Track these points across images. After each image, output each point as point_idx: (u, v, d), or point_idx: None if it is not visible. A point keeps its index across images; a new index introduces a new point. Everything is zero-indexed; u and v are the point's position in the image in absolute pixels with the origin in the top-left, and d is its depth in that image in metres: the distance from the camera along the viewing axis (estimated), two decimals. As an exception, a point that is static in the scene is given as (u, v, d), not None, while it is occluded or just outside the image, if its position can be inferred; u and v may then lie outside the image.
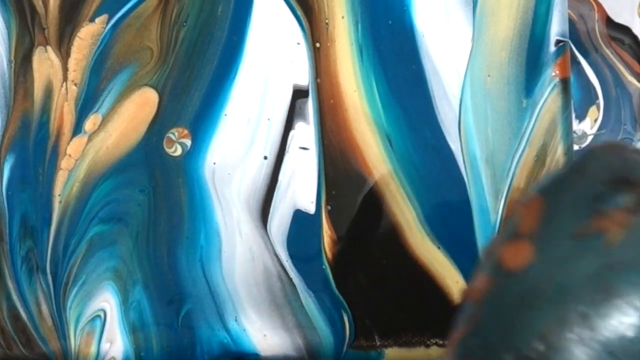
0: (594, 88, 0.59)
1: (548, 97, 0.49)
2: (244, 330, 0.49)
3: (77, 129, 0.49)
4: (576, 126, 0.58)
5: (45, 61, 0.49)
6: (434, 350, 0.49)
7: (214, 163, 0.49)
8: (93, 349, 0.49)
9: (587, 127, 0.59)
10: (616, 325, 0.29)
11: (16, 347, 0.49)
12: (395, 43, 0.49)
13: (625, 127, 0.59)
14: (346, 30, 0.49)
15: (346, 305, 0.49)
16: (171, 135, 0.49)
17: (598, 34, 0.59)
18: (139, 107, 0.49)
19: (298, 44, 0.49)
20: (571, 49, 0.58)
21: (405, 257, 0.49)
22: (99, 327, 0.49)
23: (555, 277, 0.30)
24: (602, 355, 0.29)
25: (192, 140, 0.49)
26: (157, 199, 0.49)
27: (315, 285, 0.49)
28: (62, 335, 0.49)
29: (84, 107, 0.49)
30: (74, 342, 0.49)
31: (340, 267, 0.49)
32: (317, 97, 0.49)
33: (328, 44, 0.49)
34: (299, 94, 0.49)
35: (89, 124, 0.49)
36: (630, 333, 0.29)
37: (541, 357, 0.29)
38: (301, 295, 0.49)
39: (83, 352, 0.49)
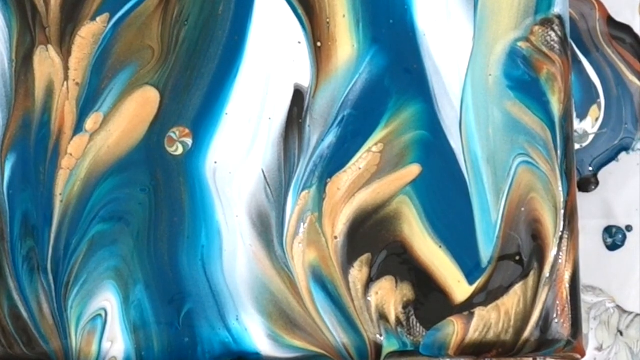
0: (595, 87, 0.59)
1: (549, 96, 0.49)
2: (246, 329, 0.49)
3: (78, 128, 0.49)
4: (577, 125, 0.59)
5: (46, 60, 0.49)
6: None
7: (215, 162, 0.49)
8: (94, 348, 0.49)
9: (589, 126, 0.59)
10: None
11: (17, 346, 0.49)
12: (396, 42, 0.49)
13: (626, 126, 0.59)
14: (347, 29, 0.49)
15: (348, 304, 0.49)
16: (172, 135, 0.49)
17: (599, 33, 0.59)
18: (140, 106, 0.49)
19: (299, 43, 0.49)
20: (572, 48, 0.58)
21: (406, 255, 0.49)
22: (100, 326, 0.49)
23: None
24: None
25: (193, 140, 0.49)
26: (158, 198, 0.49)
27: (317, 283, 0.49)
28: (63, 334, 0.49)
29: (85, 106, 0.49)
30: (75, 341, 0.49)
31: (341, 264, 0.49)
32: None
33: (329, 43, 0.49)
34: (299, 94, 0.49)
35: (90, 123, 0.49)
36: None
37: None
38: (303, 294, 0.49)
39: (84, 351, 0.49)
